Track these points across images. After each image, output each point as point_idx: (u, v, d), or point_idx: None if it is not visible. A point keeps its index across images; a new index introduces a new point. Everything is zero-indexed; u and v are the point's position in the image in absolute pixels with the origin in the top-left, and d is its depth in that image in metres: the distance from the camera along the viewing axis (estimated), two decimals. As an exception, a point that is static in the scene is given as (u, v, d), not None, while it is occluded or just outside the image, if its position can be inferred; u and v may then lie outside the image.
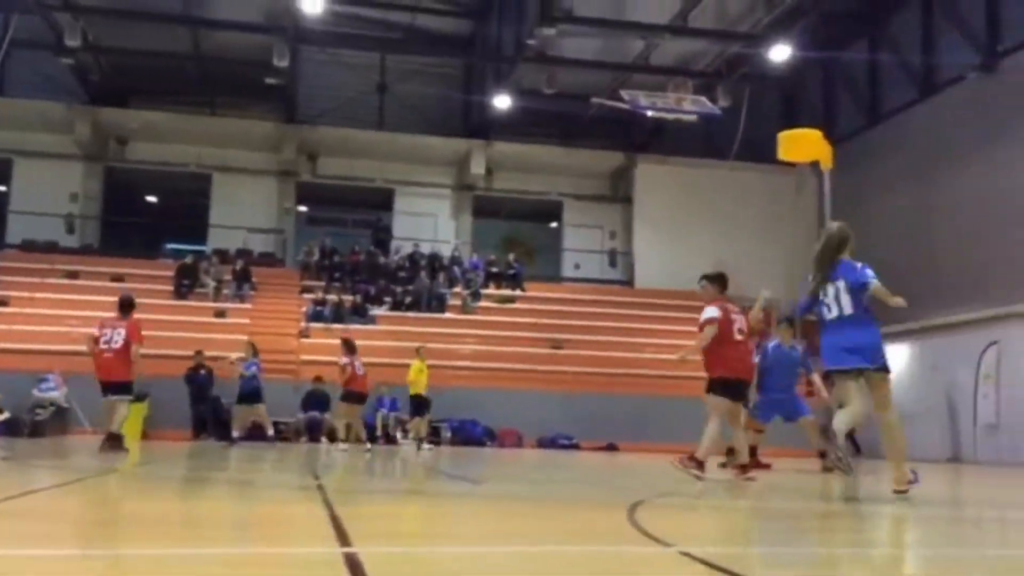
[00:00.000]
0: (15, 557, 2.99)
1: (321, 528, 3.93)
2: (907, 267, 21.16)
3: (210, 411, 19.04)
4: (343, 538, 3.60)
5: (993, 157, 20.56)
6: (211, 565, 3.01)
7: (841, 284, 6.34)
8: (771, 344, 10.95)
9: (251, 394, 15.94)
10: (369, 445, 15.37)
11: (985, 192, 20.77)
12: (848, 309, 6.30)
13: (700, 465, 7.84)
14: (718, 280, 8.52)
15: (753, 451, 10.76)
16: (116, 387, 10.94)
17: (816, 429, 10.79)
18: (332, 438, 16.78)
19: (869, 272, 6.38)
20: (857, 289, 6.31)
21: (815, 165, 12.75)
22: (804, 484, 8.74)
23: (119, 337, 10.79)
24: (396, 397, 19.85)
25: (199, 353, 19.38)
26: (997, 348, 19.79)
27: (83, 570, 2.87)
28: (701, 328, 8.20)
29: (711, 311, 8.22)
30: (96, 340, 10.88)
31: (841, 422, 6.25)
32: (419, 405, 16.94)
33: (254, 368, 16.07)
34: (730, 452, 11.09)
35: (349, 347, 14.73)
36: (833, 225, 6.71)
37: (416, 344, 17.56)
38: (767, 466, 11.35)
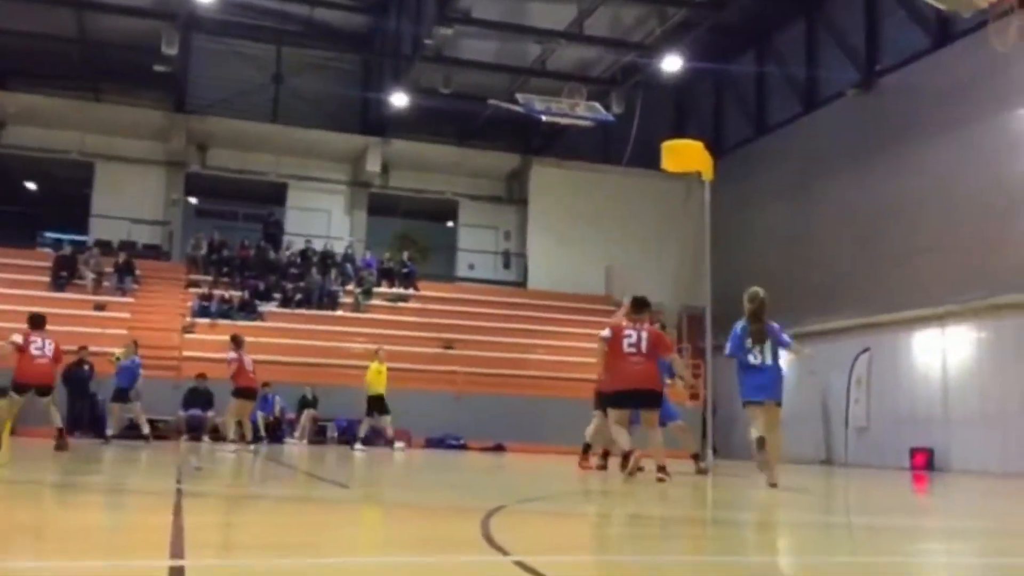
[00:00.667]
0: None
1: (158, 538, 3.83)
2: (786, 274, 21.97)
3: (87, 408, 18.42)
4: (177, 550, 3.51)
5: (869, 172, 21.49)
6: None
7: (769, 342, 8.46)
8: None
9: (121, 392, 15.67)
10: (253, 446, 15.12)
11: (859, 205, 21.70)
12: (769, 360, 8.45)
13: (623, 459, 9.30)
14: (632, 305, 9.66)
15: (606, 454, 11.37)
16: (48, 390, 11.97)
17: (687, 432, 11.12)
18: (217, 437, 16.39)
19: (786, 337, 8.66)
20: (778, 346, 8.53)
21: (699, 174, 13.10)
22: (676, 487, 8.95)
23: (50, 347, 11.89)
24: (277, 394, 19.60)
25: (83, 348, 18.63)
26: (869, 355, 20.70)
27: None
28: None
29: (602, 332, 9.55)
30: (24, 347, 11.67)
31: (755, 433, 8.26)
32: (376, 405, 16.72)
33: (138, 366, 15.70)
34: (605, 455, 11.37)
35: (236, 342, 14.54)
36: (759, 291, 8.47)
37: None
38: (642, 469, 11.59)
